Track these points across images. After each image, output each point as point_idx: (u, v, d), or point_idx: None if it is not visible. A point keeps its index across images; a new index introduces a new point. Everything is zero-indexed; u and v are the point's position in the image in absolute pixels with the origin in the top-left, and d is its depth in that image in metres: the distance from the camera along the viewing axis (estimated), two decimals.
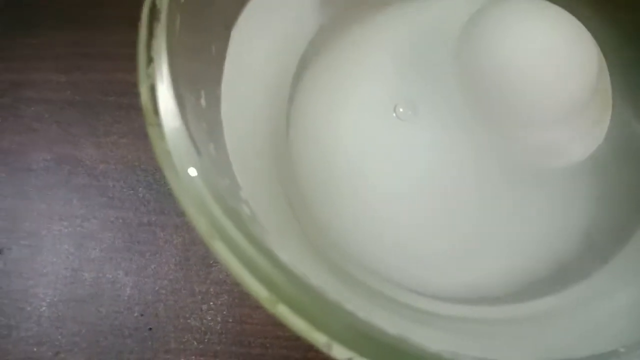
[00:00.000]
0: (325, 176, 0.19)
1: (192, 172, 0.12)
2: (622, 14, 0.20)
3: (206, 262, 0.23)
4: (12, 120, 0.26)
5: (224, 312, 0.22)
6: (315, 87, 0.20)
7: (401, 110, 0.19)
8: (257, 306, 0.11)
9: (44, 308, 0.23)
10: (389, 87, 0.20)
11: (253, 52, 0.17)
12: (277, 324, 0.11)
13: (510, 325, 0.17)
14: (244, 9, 0.16)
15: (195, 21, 0.14)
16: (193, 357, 0.22)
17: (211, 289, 0.23)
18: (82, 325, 0.23)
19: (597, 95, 0.18)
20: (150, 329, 0.22)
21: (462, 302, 0.18)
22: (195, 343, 0.22)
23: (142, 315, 0.23)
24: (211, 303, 0.23)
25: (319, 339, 0.11)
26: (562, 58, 0.17)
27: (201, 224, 0.12)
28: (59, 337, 0.23)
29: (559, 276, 0.18)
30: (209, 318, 0.22)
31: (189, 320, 0.22)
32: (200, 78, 0.14)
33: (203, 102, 0.14)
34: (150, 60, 0.12)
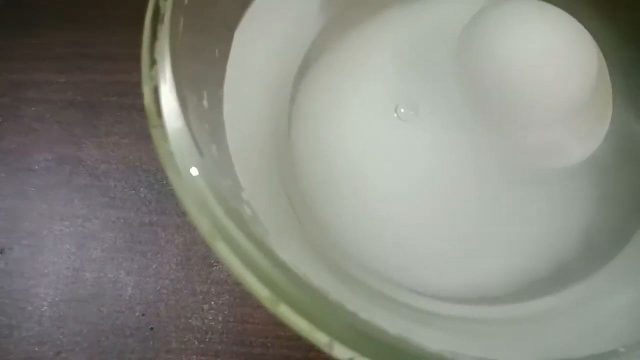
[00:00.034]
0: (326, 176, 0.19)
1: (195, 173, 0.12)
2: (622, 13, 0.20)
3: (207, 262, 0.23)
4: (13, 121, 0.26)
5: (226, 312, 0.22)
6: (317, 88, 0.20)
7: (402, 110, 0.19)
8: (258, 306, 0.11)
9: (45, 308, 0.23)
10: (389, 88, 0.20)
11: (255, 54, 0.17)
12: (279, 324, 0.11)
13: (510, 325, 0.17)
14: (246, 11, 0.16)
15: (198, 23, 0.14)
16: (194, 356, 0.22)
17: (212, 289, 0.23)
18: (84, 325, 0.23)
19: (597, 96, 0.18)
20: (152, 328, 0.22)
21: (462, 302, 0.18)
22: (197, 343, 0.22)
23: (143, 315, 0.23)
24: (213, 303, 0.23)
25: (320, 339, 0.11)
26: (562, 58, 0.17)
27: (203, 225, 0.12)
28: (61, 337, 0.23)
29: (559, 276, 0.18)
30: (211, 318, 0.22)
31: (190, 320, 0.22)
32: (203, 79, 0.14)
33: (206, 103, 0.14)
34: (153, 62, 0.12)
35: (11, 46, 0.27)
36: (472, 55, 0.18)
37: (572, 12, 0.17)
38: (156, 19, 0.13)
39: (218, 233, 0.12)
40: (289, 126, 0.19)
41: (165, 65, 0.12)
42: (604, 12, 0.19)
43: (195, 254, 0.23)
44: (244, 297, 0.22)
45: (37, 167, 0.25)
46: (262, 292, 0.11)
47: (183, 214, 0.24)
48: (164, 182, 0.24)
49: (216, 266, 0.23)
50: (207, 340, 0.22)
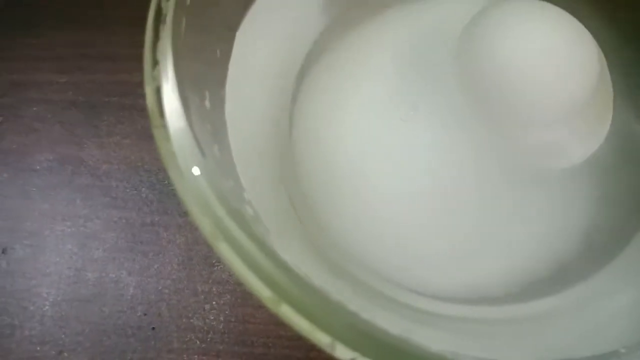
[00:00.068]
0: (326, 176, 0.19)
1: (197, 173, 0.12)
2: (622, 13, 0.20)
3: (209, 261, 0.23)
4: (14, 121, 0.26)
5: (227, 312, 0.22)
6: (318, 88, 0.20)
7: (402, 110, 0.19)
8: (259, 305, 0.11)
9: (47, 307, 0.23)
10: (390, 88, 0.20)
11: (257, 53, 0.17)
12: (280, 324, 0.11)
13: (510, 325, 0.17)
14: (248, 11, 0.16)
15: (200, 23, 0.14)
16: (196, 356, 0.22)
17: (214, 289, 0.23)
18: (86, 324, 0.23)
19: (597, 96, 0.18)
20: (154, 328, 0.22)
21: (462, 302, 0.18)
22: (198, 342, 0.22)
23: (145, 314, 0.23)
24: (214, 302, 0.23)
25: (322, 339, 0.11)
26: (562, 58, 0.17)
27: (205, 225, 0.12)
28: (63, 336, 0.23)
29: (559, 276, 0.18)
30: (212, 317, 0.22)
31: (191, 320, 0.22)
32: (204, 80, 0.14)
33: (207, 103, 0.14)
34: (155, 62, 0.12)
35: (12, 46, 0.27)
36: (473, 55, 0.18)
37: (572, 11, 0.17)
38: (158, 19, 0.13)
39: (220, 233, 0.12)
40: (289, 126, 0.19)
41: (167, 66, 0.12)
42: (604, 11, 0.19)
43: (196, 254, 0.23)
44: (245, 296, 0.22)
45: (38, 167, 0.25)
46: (263, 292, 0.11)
47: (184, 214, 0.24)
48: (165, 182, 0.24)
49: (217, 266, 0.23)
50: (209, 339, 0.22)
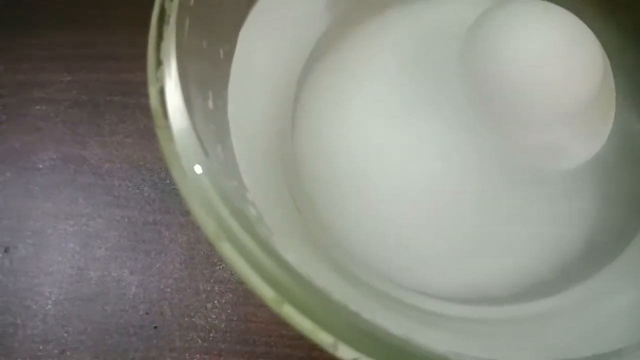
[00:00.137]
0: (329, 176, 0.19)
1: (200, 173, 0.12)
2: (625, 14, 0.20)
3: (211, 260, 0.23)
4: (17, 120, 0.26)
5: (229, 311, 0.23)
6: (321, 87, 0.20)
7: (404, 110, 0.19)
8: (261, 305, 0.11)
9: (49, 306, 0.23)
10: (392, 88, 0.20)
11: (259, 53, 0.17)
12: (282, 323, 0.11)
13: (512, 325, 0.17)
14: (250, 11, 0.16)
15: (203, 23, 0.14)
16: (198, 355, 0.22)
17: (216, 288, 0.23)
18: (88, 323, 0.23)
19: (601, 96, 0.18)
20: (156, 327, 0.23)
21: (464, 303, 0.18)
22: (200, 341, 0.22)
23: (147, 313, 0.23)
24: (216, 301, 0.23)
25: (324, 339, 0.11)
26: (566, 59, 0.17)
27: (208, 225, 0.12)
28: (65, 335, 0.23)
29: (560, 276, 0.18)
30: (214, 316, 0.22)
31: (193, 319, 0.23)
32: (208, 80, 0.14)
33: (211, 103, 0.14)
34: (159, 63, 0.12)
35: (12, 46, 0.27)
36: (476, 56, 0.18)
37: (575, 12, 0.17)
38: (162, 20, 0.13)
39: (223, 233, 0.12)
40: (292, 126, 0.19)
41: (171, 66, 0.12)
42: (607, 12, 0.19)
43: (198, 253, 0.23)
44: (247, 295, 0.22)
45: (41, 166, 0.25)
46: (266, 292, 0.11)
47: (186, 213, 0.24)
48: (168, 181, 0.24)
49: (219, 265, 0.23)
50: (211, 338, 0.22)
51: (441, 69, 0.19)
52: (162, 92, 0.12)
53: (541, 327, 0.16)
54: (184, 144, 0.12)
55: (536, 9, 0.17)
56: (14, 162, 0.25)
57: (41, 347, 0.23)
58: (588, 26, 0.17)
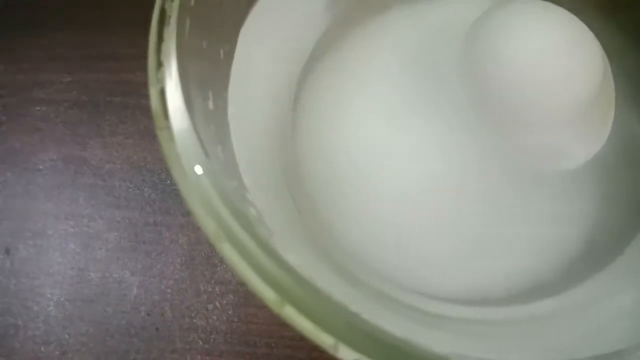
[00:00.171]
0: (329, 176, 0.19)
1: (201, 173, 0.12)
2: (625, 15, 0.20)
3: (211, 261, 0.23)
4: (18, 120, 0.26)
5: (230, 312, 0.22)
6: (321, 87, 0.20)
7: (405, 110, 0.19)
8: (262, 306, 0.11)
9: (50, 307, 0.23)
10: (393, 88, 0.20)
11: (260, 53, 0.17)
12: (283, 324, 0.11)
13: (512, 326, 0.17)
14: (250, 11, 0.16)
15: (204, 24, 0.14)
16: (199, 356, 0.22)
17: (217, 289, 0.23)
18: (89, 324, 0.23)
19: (601, 97, 0.18)
20: (157, 328, 0.23)
21: (464, 303, 0.18)
22: (201, 343, 0.22)
23: (148, 314, 0.23)
24: (217, 303, 0.23)
25: (325, 340, 0.11)
26: (566, 59, 0.17)
27: (209, 226, 0.12)
28: (66, 336, 0.23)
29: (561, 277, 0.18)
30: (215, 318, 0.22)
31: (194, 320, 0.22)
32: (208, 80, 0.14)
33: (211, 104, 0.14)
34: (160, 64, 0.12)
35: (12, 46, 0.27)
36: (477, 56, 0.18)
37: (575, 13, 0.17)
38: (162, 21, 0.13)
39: (223, 234, 0.12)
40: (292, 126, 0.19)
41: (172, 67, 0.12)
42: (607, 12, 0.19)
43: (199, 254, 0.23)
44: (248, 296, 0.22)
45: (41, 167, 0.25)
46: (266, 293, 0.11)
47: (187, 214, 0.24)
48: (168, 182, 0.24)
49: (220, 266, 0.23)
50: (211, 340, 0.22)
51: (441, 69, 0.19)
52: (162, 93, 0.12)
53: (541, 327, 0.16)
54: (184, 144, 0.12)
55: (536, 9, 0.17)
56: (14, 162, 0.25)
57: (42, 349, 0.23)
58: (588, 26, 0.17)
